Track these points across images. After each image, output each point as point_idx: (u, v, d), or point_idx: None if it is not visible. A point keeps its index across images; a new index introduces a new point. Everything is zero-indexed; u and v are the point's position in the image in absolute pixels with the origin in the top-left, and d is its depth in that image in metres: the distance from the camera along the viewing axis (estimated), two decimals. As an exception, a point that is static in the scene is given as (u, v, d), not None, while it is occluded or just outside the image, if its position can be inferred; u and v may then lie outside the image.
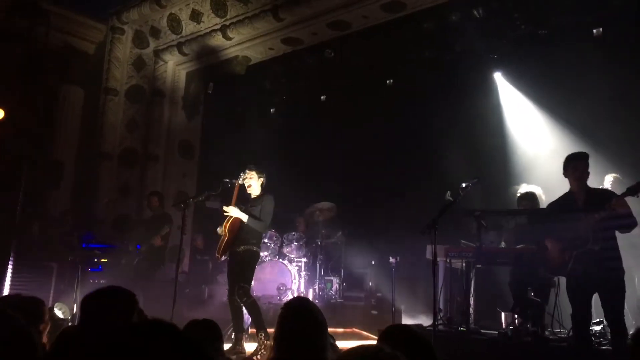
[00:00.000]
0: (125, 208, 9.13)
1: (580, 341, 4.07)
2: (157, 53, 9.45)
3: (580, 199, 4.18)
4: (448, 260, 5.26)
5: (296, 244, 7.87)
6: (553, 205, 4.47)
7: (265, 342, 4.97)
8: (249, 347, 5.22)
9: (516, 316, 4.94)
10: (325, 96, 8.71)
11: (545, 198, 5.40)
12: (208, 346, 2.57)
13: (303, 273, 7.77)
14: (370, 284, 7.94)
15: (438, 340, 4.14)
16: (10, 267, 5.68)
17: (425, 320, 5.76)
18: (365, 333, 6.80)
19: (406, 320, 6.79)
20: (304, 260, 7.85)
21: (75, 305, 5.29)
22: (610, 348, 4.08)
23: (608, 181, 5.31)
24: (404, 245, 6.59)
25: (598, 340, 4.37)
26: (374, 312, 7.31)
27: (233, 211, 5.30)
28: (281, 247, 7.89)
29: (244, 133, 9.31)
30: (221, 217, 5.42)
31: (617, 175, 5.34)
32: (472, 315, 5.18)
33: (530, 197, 5.47)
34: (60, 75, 9.15)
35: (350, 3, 7.24)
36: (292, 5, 7.47)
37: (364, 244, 8.04)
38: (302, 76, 8.72)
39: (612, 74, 6.17)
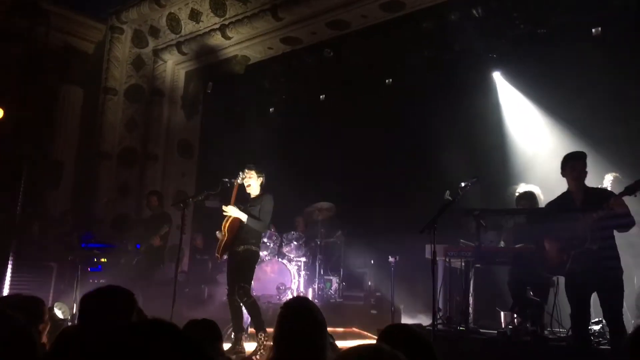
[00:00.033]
0: (125, 207, 9.13)
1: (579, 340, 4.07)
2: (157, 52, 9.45)
3: (578, 199, 4.18)
4: (447, 260, 5.27)
5: (295, 243, 7.87)
6: (551, 204, 4.47)
7: (265, 342, 4.98)
8: (249, 346, 5.23)
9: (515, 315, 4.95)
10: (324, 95, 8.71)
11: (543, 198, 5.41)
12: (207, 346, 2.57)
13: (302, 272, 7.77)
14: (369, 283, 7.94)
15: (437, 340, 4.15)
16: (10, 266, 5.68)
17: (425, 320, 5.77)
18: (364, 332, 6.80)
19: (405, 320, 6.79)
20: (303, 259, 7.85)
21: (75, 305, 5.29)
22: (609, 347, 4.09)
23: (608, 180, 5.30)
24: (404, 245, 6.58)
25: (597, 340, 4.38)
26: (374, 311, 7.31)
27: (232, 211, 5.30)
28: (280, 246, 7.90)
29: (243, 132, 9.31)
30: (221, 217, 5.43)
31: (617, 174, 5.33)
32: (471, 315, 5.19)
33: (529, 196, 5.47)
34: (60, 75, 9.15)
35: (350, 2, 7.24)
36: (291, 4, 7.48)
37: (364, 243, 8.05)
38: (301, 76, 8.72)
39: (611, 74, 6.18)
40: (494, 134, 7.49)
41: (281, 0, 7.54)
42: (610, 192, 4.18)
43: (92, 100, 9.34)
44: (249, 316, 5.37)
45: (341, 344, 3.67)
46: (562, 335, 4.67)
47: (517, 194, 5.65)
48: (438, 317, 5.03)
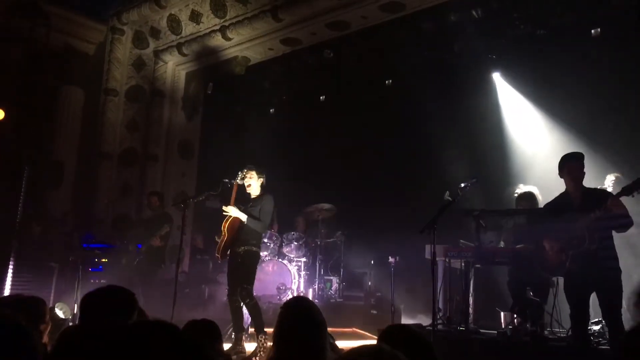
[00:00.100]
0: (125, 208, 9.15)
1: (579, 341, 4.08)
2: (157, 53, 9.46)
3: (577, 199, 4.19)
4: (447, 260, 5.27)
5: (296, 243, 7.88)
6: (549, 205, 4.48)
7: (265, 343, 4.98)
8: (249, 347, 5.24)
9: (515, 316, 4.96)
10: (324, 96, 8.72)
11: (542, 198, 5.41)
12: (207, 346, 2.58)
13: (303, 273, 7.79)
14: (369, 283, 7.95)
15: (437, 340, 4.17)
16: (11, 267, 5.69)
17: (425, 320, 5.77)
18: (364, 332, 6.81)
19: (406, 320, 6.80)
20: (303, 259, 7.86)
21: (76, 305, 5.30)
22: (608, 347, 4.10)
23: (610, 181, 5.29)
24: (404, 245, 6.59)
25: (597, 340, 4.39)
26: (374, 311, 7.32)
27: (232, 211, 5.31)
28: (281, 246, 7.91)
29: (244, 133, 9.32)
30: (221, 217, 5.44)
31: (619, 175, 5.32)
32: (471, 315, 5.20)
33: (529, 197, 5.47)
34: (61, 76, 9.16)
35: (350, 3, 7.25)
36: (292, 5, 7.49)
37: (364, 243, 8.06)
38: (302, 76, 8.73)
39: (611, 74, 6.19)
40: (494, 135, 7.50)
41: (281, 1, 7.55)
42: (609, 193, 4.19)
43: (92, 101, 9.36)
44: (249, 316, 5.38)
45: (341, 344, 3.68)
46: (562, 335, 4.68)
47: (516, 195, 5.65)
48: (438, 317, 5.05)
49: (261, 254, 6.45)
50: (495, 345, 4.76)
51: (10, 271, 5.68)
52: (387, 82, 7.93)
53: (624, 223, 4.00)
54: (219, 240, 5.39)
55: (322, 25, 7.74)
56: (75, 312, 5.11)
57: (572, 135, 6.51)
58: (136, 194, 9.20)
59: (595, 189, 4.36)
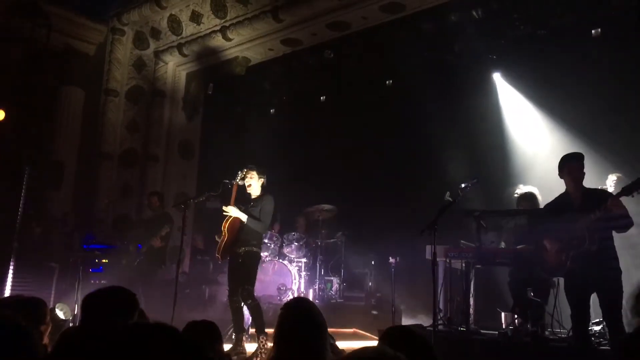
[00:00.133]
0: (126, 208, 9.15)
1: (580, 341, 4.07)
2: (158, 54, 9.47)
3: (577, 200, 4.19)
4: (448, 261, 5.27)
5: (296, 244, 7.88)
6: (550, 205, 4.48)
7: (266, 344, 4.98)
8: (250, 347, 5.24)
9: (516, 316, 4.95)
10: (324, 97, 8.72)
11: (541, 198, 5.40)
12: (207, 347, 2.58)
13: (303, 273, 7.78)
14: (370, 284, 7.95)
15: (438, 340, 4.16)
16: (11, 268, 5.69)
17: (425, 321, 5.77)
18: (365, 333, 6.81)
19: (406, 320, 6.79)
20: (304, 260, 7.86)
21: (76, 305, 5.30)
22: (609, 348, 4.09)
23: (612, 181, 5.27)
24: (404, 246, 6.59)
25: (598, 341, 4.38)
26: (374, 312, 7.31)
27: (232, 211, 5.31)
28: (281, 247, 7.90)
29: (244, 133, 9.32)
30: (221, 218, 5.43)
31: (621, 175, 5.30)
32: (472, 316, 5.19)
33: (530, 197, 5.47)
34: (61, 77, 9.18)
35: (350, 4, 7.25)
36: (292, 6, 7.49)
37: (364, 244, 8.05)
38: (302, 77, 8.73)
39: (611, 74, 6.18)
40: (494, 135, 7.50)
41: (282, 1, 7.56)
42: (609, 193, 4.19)
43: (93, 101, 9.36)
44: (249, 317, 5.38)
45: (342, 344, 3.67)
46: (562, 336, 4.68)
47: (516, 195, 5.64)
48: (439, 317, 5.04)
49: (262, 254, 6.46)
50: (496, 345, 4.75)
51: (10, 272, 5.67)
52: (387, 82, 7.93)
53: (624, 223, 4.00)
54: (219, 240, 5.39)
55: (322, 26, 7.74)
56: (75, 312, 5.11)
57: (573, 136, 6.50)
58: (136, 195, 9.20)
59: (595, 190, 4.35)
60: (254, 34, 8.26)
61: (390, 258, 6.58)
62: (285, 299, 7.09)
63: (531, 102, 7.36)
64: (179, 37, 9.03)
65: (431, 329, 4.40)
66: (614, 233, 4.08)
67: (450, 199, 4.62)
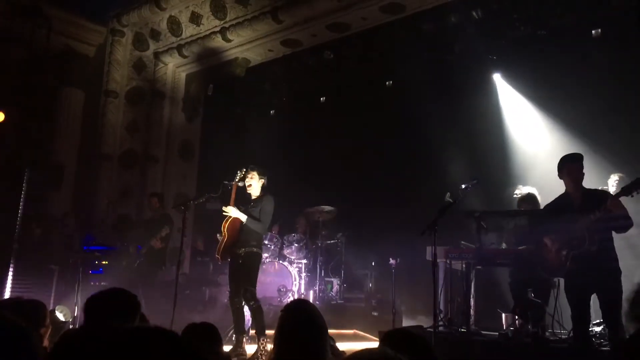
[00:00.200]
0: (126, 209, 9.15)
1: (581, 342, 4.07)
2: (157, 55, 9.47)
3: (576, 200, 4.19)
4: (448, 262, 5.27)
5: (296, 245, 7.88)
6: (550, 206, 4.48)
7: (266, 346, 4.98)
8: (250, 349, 5.23)
9: (516, 317, 4.95)
10: (324, 97, 8.72)
11: (540, 199, 5.40)
12: (207, 350, 2.57)
13: (303, 274, 7.78)
14: (370, 285, 7.94)
15: (438, 341, 4.15)
16: (11, 269, 5.69)
17: (426, 322, 5.76)
18: (365, 334, 6.80)
19: (407, 322, 6.78)
20: (304, 261, 7.85)
21: (76, 307, 5.30)
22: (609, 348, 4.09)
23: (613, 181, 5.27)
24: (404, 247, 6.59)
25: (598, 341, 4.38)
26: (375, 313, 7.31)
27: (232, 211, 5.30)
28: (281, 248, 7.90)
29: (244, 134, 9.32)
30: (221, 219, 5.43)
31: (622, 175, 5.30)
32: (472, 316, 5.19)
33: (530, 199, 5.46)
34: (61, 78, 9.18)
35: (350, 5, 7.25)
36: (292, 7, 7.49)
37: (364, 245, 8.05)
38: (302, 78, 8.73)
39: (612, 74, 6.18)
40: (494, 135, 7.50)
41: (281, 2, 7.56)
42: (608, 194, 4.19)
43: (93, 102, 9.37)
44: (250, 318, 5.38)
45: (342, 346, 3.67)
46: (563, 336, 4.67)
47: (517, 196, 5.64)
48: (439, 318, 5.03)
49: (262, 255, 6.45)
50: (496, 346, 4.75)
51: (10, 273, 5.67)
52: (387, 83, 7.92)
53: (624, 224, 4.00)
54: (220, 239, 5.38)
55: (322, 27, 7.74)
56: (75, 314, 5.11)
57: (573, 136, 6.50)
58: (136, 196, 9.20)
59: (595, 190, 4.36)
60: (253, 35, 8.26)
61: (391, 259, 6.57)
62: (285, 300, 7.09)
63: (531, 102, 7.35)
64: (178, 38, 9.04)
65: (432, 330, 4.40)
66: (613, 233, 4.08)
67: (450, 199, 4.63)
